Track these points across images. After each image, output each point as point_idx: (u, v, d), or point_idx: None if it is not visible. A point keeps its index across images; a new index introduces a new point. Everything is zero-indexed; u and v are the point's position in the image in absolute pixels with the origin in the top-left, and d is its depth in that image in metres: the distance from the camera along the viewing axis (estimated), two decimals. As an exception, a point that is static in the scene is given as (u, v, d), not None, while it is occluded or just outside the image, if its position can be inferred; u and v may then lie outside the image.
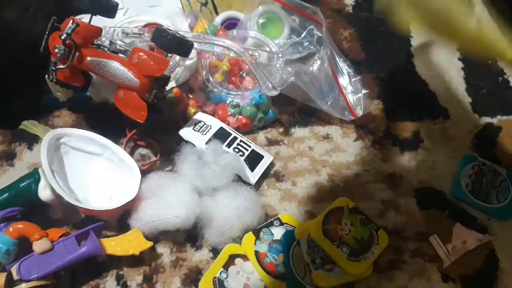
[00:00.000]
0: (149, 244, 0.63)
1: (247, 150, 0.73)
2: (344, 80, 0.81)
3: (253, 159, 0.72)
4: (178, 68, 0.76)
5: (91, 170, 0.70)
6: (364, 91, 0.81)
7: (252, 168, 0.72)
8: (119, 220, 0.67)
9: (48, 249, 0.58)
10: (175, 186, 0.66)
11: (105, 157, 0.70)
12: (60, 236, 0.61)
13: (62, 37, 0.60)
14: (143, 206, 0.65)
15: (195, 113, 0.77)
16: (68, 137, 0.68)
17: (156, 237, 0.65)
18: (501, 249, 0.69)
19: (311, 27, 0.82)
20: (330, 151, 0.77)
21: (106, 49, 0.67)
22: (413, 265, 0.67)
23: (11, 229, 0.59)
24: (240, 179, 0.70)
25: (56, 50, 0.61)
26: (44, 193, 0.63)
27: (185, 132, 0.74)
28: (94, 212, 0.64)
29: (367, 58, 0.89)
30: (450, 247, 0.67)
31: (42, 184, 0.64)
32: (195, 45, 0.68)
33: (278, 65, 0.75)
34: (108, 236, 0.65)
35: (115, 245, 0.62)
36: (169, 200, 0.64)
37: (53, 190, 0.63)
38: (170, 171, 0.72)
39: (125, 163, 0.69)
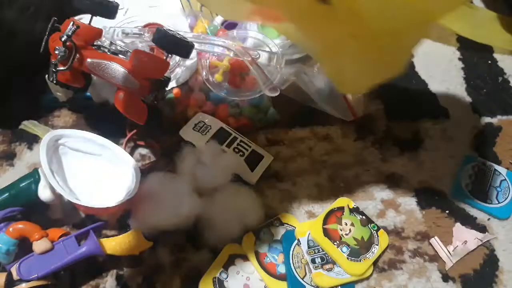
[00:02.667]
0: (149, 244, 0.63)
1: (247, 150, 0.73)
2: (344, 80, 0.81)
3: (253, 159, 0.72)
4: (178, 69, 0.76)
5: (90, 170, 0.70)
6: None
7: (252, 168, 0.72)
8: (119, 220, 0.67)
9: (48, 249, 0.58)
10: (175, 187, 0.66)
11: (104, 157, 0.70)
12: (60, 236, 0.61)
13: (63, 39, 0.61)
14: (143, 207, 0.65)
15: (195, 113, 0.77)
16: (66, 138, 0.69)
17: (156, 237, 0.65)
18: (501, 248, 0.69)
19: (311, 27, 0.82)
20: (330, 151, 0.77)
21: (106, 50, 0.67)
22: (413, 265, 0.67)
23: (11, 229, 0.59)
24: (240, 179, 0.70)
25: (56, 52, 0.61)
26: (44, 193, 0.63)
27: (185, 132, 0.74)
28: (94, 210, 0.64)
29: (367, 58, 0.89)
30: (451, 248, 0.68)
31: (42, 184, 0.64)
32: (195, 45, 0.68)
33: (278, 66, 0.75)
34: (108, 236, 0.65)
35: (115, 245, 0.62)
36: (169, 200, 0.64)
37: (53, 190, 0.63)
38: (170, 171, 0.72)
39: (124, 163, 0.69)
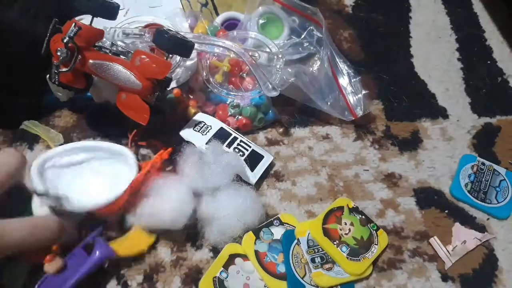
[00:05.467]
0: (153, 238, 0.63)
1: (247, 150, 0.73)
2: (344, 81, 0.81)
3: (253, 159, 0.73)
4: (178, 69, 0.76)
5: (87, 175, 0.68)
6: (364, 92, 0.81)
7: (252, 168, 0.72)
8: (119, 221, 0.67)
9: (61, 267, 0.58)
10: (177, 187, 0.66)
11: (97, 159, 0.69)
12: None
13: (65, 41, 0.61)
14: (144, 206, 0.65)
15: (195, 113, 0.77)
16: (52, 159, 0.66)
17: (156, 236, 0.66)
18: (500, 248, 0.69)
19: (311, 27, 0.83)
20: (330, 151, 0.78)
21: (107, 51, 0.67)
22: (412, 264, 0.67)
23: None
24: (240, 179, 0.71)
25: (58, 53, 0.61)
26: (41, 212, 0.61)
27: (186, 133, 0.74)
28: (107, 209, 0.63)
29: (367, 59, 0.89)
30: (451, 248, 0.68)
31: (36, 203, 0.61)
32: (196, 45, 0.68)
33: (278, 66, 0.75)
34: (110, 238, 0.65)
35: (125, 246, 0.62)
36: (170, 201, 0.64)
37: (50, 207, 0.60)
38: (172, 171, 0.72)
39: (118, 153, 0.68)
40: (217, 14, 0.86)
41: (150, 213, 0.64)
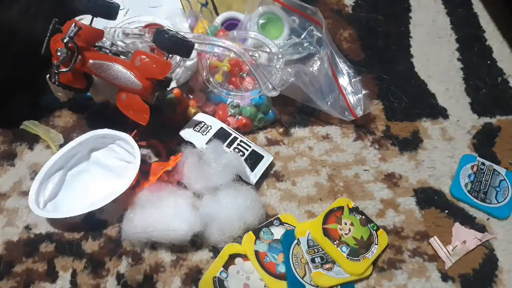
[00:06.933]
0: None
1: (247, 150, 0.73)
2: (344, 81, 0.81)
3: (253, 159, 0.73)
4: (178, 69, 0.76)
5: (96, 170, 0.72)
6: (364, 92, 0.81)
7: (252, 168, 0.72)
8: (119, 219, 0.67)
9: None
10: (175, 199, 0.65)
11: (101, 151, 0.72)
12: None
13: (65, 41, 0.61)
14: (138, 213, 0.64)
15: (195, 113, 0.77)
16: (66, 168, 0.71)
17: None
18: (500, 248, 0.69)
19: (311, 27, 0.83)
20: (330, 151, 0.78)
21: (107, 51, 0.67)
22: (412, 264, 0.67)
23: None
24: (240, 179, 0.71)
25: (59, 54, 0.61)
26: None
27: (186, 133, 0.74)
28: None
29: (366, 59, 0.89)
30: (451, 248, 0.68)
31: None
32: (196, 45, 0.68)
33: (278, 66, 0.75)
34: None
35: None
36: (167, 213, 0.63)
37: None
38: (170, 171, 0.72)
39: (112, 137, 0.71)
40: (217, 14, 0.86)
41: (146, 224, 0.63)
